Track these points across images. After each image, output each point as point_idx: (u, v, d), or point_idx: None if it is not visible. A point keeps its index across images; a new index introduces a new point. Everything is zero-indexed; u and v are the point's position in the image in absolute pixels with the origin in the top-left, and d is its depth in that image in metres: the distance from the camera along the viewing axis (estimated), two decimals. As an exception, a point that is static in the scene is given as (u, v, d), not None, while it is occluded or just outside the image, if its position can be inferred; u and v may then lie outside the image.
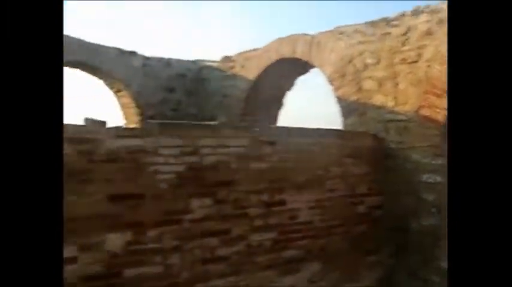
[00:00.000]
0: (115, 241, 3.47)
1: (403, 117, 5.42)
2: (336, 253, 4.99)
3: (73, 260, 3.25)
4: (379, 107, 5.74)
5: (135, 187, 3.54)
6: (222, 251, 4.07)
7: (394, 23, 5.62)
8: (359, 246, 5.22)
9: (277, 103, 8.86)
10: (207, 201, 3.93)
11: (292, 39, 7.50)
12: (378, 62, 5.80)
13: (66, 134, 3.26)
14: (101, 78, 9.20)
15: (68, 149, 3.23)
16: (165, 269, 3.71)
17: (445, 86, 4.73)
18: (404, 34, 5.48)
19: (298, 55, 7.31)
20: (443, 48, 4.96)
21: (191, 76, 9.69)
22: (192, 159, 3.82)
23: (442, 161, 4.97)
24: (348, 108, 6.23)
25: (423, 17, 5.28)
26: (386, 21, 5.74)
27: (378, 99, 5.77)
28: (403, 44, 5.50)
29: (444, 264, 4.92)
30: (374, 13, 9.33)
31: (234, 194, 4.11)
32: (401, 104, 5.46)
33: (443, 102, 4.75)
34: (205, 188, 3.92)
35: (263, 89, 8.42)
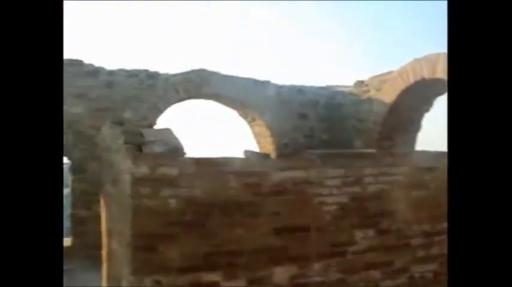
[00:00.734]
0: (281, 274, 3.45)
1: None
2: None
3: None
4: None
5: (300, 219, 3.50)
6: (385, 284, 3.89)
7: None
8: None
9: (415, 125, 8.54)
10: (370, 232, 3.79)
11: (431, 59, 7.20)
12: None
13: (232, 168, 3.32)
14: (234, 108, 9.47)
15: (234, 182, 3.28)
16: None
17: None
18: None
19: (439, 75, 6.99)
20: None
21: (323, 102, 9.66)
22: (355, 189, 3.72)
23: None
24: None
25: None
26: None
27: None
28: None
29: None
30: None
31: (396, 224, 3.93)
32: None
33: None
34: (368, 219, 3.79)
35: (400, 112, 8.16)
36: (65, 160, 8.33)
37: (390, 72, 8.17)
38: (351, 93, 9.19)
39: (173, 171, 3.08)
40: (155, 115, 8.00)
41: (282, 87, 9.41)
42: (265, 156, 3.58)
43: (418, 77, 7.46)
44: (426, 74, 7.29)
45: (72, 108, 7.89)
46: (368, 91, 8.67)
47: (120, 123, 4.04)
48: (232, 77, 8.78)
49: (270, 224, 3.41)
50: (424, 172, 4.21)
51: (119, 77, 8.14)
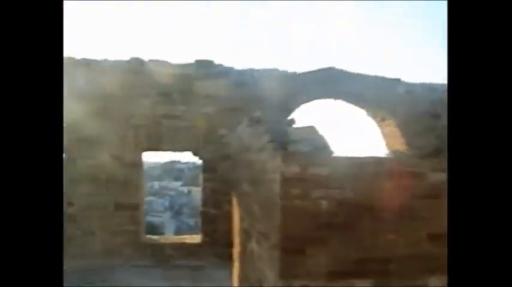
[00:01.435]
0: (435, 284, 3.16)
1: None
2: None
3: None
4: None
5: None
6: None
7: None
8: None
9: None
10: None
11: None
12: None
13: (385, 168, 3.10)
14: (363, 107, 9.18)
15: (387, 183, 3.05)
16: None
17: None
18: None
19: None
20: None
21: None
22: None
23: None
24: None
25: None
26: None
27: None
28: None
29: None
30: None
31: None
32: None
33: None
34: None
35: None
36: (196, 159, 8.57)
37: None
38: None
39: (323, 171, 2.92)
40: (285, 115, 7.94)
41: (412, 85, 8.96)
42: (420, 156, 3.29)
43: None
44: None
45: (202, 109, 8.10)
46: None
47: (259, 121, 3.96)
48: (361, 75, 8.52)
49: (424, 229, 3.14)
50: None
51: (248, 77, 8.21)
